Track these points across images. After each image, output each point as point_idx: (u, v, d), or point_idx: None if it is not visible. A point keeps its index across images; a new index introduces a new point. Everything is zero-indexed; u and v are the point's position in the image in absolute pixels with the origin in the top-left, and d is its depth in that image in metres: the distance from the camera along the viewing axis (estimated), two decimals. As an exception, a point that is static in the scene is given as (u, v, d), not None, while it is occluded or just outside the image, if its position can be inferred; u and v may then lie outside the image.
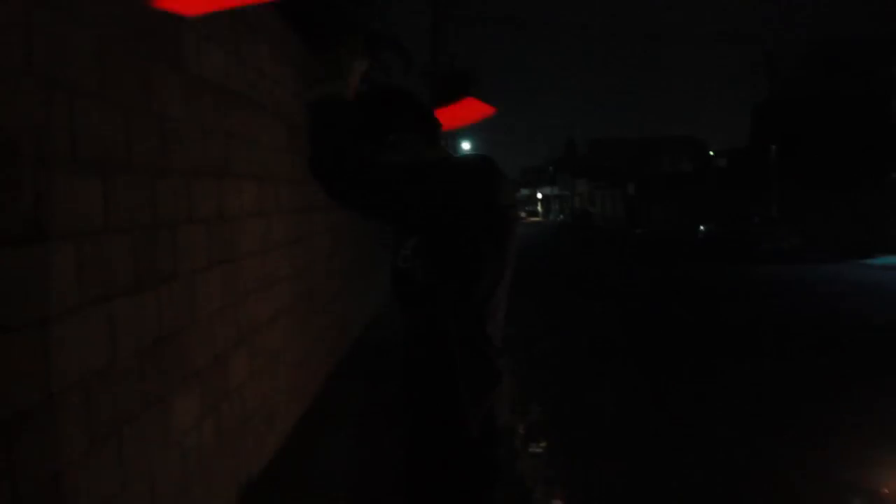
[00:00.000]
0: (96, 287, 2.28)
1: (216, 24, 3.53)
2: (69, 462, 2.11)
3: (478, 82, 25.04)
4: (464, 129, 32.43)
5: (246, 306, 3.92)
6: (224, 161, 3.62)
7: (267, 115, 4.53)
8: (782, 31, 30.07)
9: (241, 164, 3.92)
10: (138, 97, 2.65)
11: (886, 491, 4.36)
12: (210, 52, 3.43)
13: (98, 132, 2.33)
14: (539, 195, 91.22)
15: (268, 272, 4.39)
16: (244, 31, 4.07)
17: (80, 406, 2.17)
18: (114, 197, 2.41)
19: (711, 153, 46.00)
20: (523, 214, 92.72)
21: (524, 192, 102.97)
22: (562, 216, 59.85)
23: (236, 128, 3.82)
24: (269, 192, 4.48)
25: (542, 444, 5.16)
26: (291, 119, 5.10)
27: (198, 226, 3.21)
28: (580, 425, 5.74)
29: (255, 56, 4.26)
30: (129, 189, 2.54)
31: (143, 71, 2.69)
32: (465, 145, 36.62)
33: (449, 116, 2.35)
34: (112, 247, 2.40)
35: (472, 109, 2.54)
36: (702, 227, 27.41)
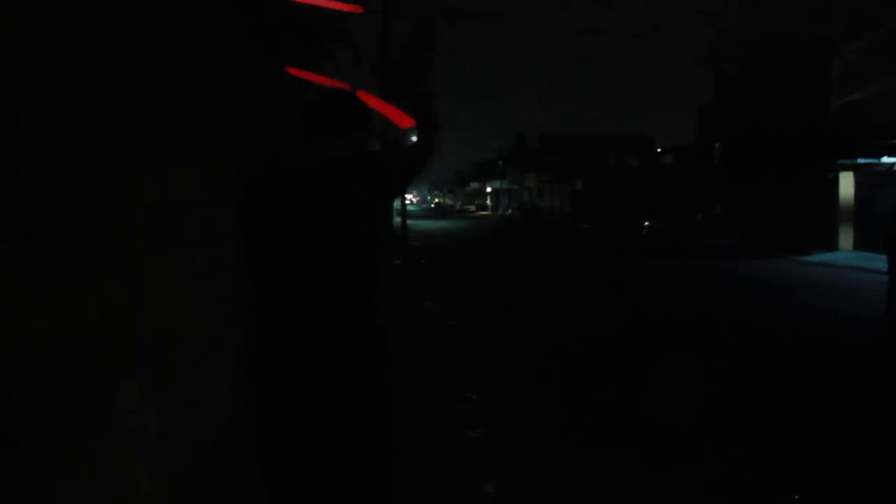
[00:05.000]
0: (40, 267, 2.28)
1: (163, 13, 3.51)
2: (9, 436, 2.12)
3: (431, 71, 25.03)
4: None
5: (192, 290, 3.92)
6: (169, 148, 3.61)
7: (211, 104, 4.51)
8: (727, 31, 30.74)
9: (186, 152, 3.91)
10: (83, 83, 2.63)
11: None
12: (156, 42, 3.41)
13: (45, 117, 2.33)
14: (489, 189, 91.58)
15: (213, 257, 4.39)
16: (194, 26, 4.04)
17: (21, 381, 2.18)
18: (59, 180, 2.41)
19: (659, 150, 46.73)
20: (472, 208, 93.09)
21: (474, 185, 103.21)
22: (510, 211, 60.25)
23: (181, 116, 3.81)
24: (213, 179, 4.46)
25: (479, 430, 5.30)
26: (235, 109, 5.08)
27: (142, 211, 3.21)
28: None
29: (203, 48, 4.24)
30: (75, 174, 2.54)
31: (90, 58, 2.67)
32: (415, 138, 36.56)
33: None
34: (56, 230, 2.40)
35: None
36: (647, 223, 27.92)
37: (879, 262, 13.40)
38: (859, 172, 22.74)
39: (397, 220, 24.63)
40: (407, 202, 29.72)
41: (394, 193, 2.43)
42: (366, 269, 2.21)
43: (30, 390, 2.24)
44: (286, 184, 2.23)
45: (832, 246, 22.99)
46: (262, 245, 2.24)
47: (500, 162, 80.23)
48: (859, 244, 22.49)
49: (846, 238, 23.09)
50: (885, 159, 20.82)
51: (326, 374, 2.15)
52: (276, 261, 2.21)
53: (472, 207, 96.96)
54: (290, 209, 2.19)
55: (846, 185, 23.23)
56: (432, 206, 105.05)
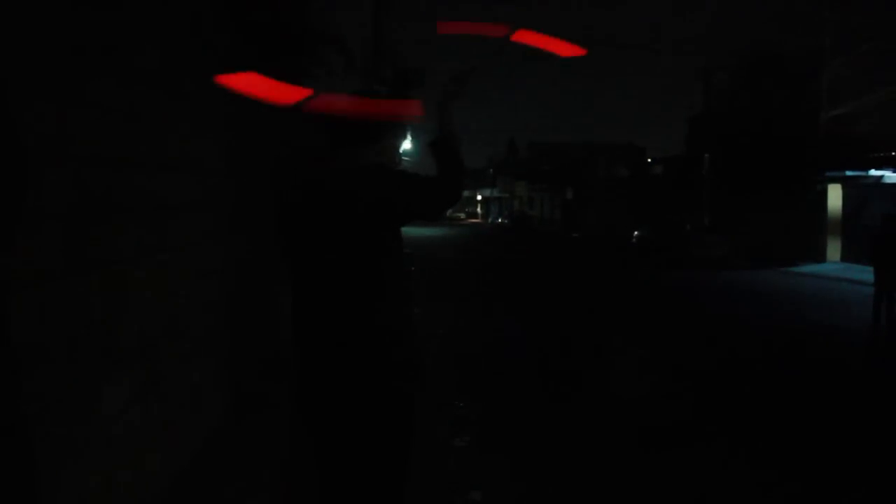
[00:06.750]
0: (27, 269, 2.27)
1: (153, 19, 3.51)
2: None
3: (422, 83, 25.03)
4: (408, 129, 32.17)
5: (180, 294, 3.91)
6: (159, 152, 3.60)
7: (201, 108, 4.50)
8: (716, 44, 30.89)
9: (177, 156, 3.90)
10: (74, 86, 2.62)
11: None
12: (146, 48, 3.41)
13: (31, 119, 2.32)
14: (479, 197, 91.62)
15: (201, 264, 4.37)
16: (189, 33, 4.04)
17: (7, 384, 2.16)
18: (46, 183, 2.39)
19: (649, 160, 46.85)
20: (463, 216, 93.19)
21: (464, 193, 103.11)
22: (500, 219, 60.31)
23: (170, 120, 3.79)
24: (203, 184, 4.45)
25: (466, 439, 5.29)
26: (225, 115, 5.07)
27: (131, 214, 3.20)
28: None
29: (193, 51, 4.23)
30: (63, 176, 2.52)
31: (77, 58, 2.66)
32: (407, 145, 36.47)
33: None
34: (43, 232, 2.39)
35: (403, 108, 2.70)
36: (636, 233, 27.99)
37: (866, 273, 13.47)
38: (847, 185, 22.88)
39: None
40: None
41: (411, 220, 2.33)
42: (382, 275, 2.23)
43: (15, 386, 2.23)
44: (309, 197, 2.28)
45: (820, 257, 23.12)
46: (292, 252, 2.34)
47: (491, 170, 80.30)
48: (847, 256, 22.62)
49: (834, 249, 23.21)
50: (873, 172, 20.96)
51: (343, 367, 2.22)
52: (302, 266, 2.31)
53: (463, 215, 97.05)
54: (311, 221, 2.26)
55: (834, 197, 23.38)
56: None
